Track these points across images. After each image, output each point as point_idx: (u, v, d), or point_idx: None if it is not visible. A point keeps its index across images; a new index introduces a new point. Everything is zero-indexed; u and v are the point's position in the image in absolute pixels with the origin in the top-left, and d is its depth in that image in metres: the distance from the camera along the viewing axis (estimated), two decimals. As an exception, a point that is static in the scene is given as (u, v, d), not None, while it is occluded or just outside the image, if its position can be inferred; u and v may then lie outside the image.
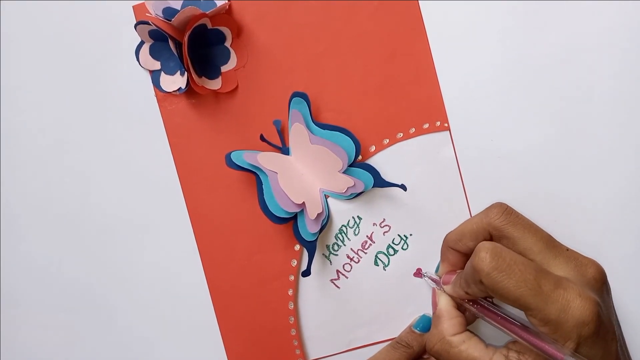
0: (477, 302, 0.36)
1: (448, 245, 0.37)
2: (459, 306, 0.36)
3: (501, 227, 0.34)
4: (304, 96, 0.38)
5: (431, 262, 0.41)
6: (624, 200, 0.40)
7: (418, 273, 0.41)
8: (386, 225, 0.41)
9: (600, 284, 0.33)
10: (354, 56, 0.40)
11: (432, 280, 0.38)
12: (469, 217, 0.40)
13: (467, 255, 0.37)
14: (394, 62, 0.40)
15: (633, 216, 0.39)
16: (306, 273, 0.39)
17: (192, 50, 0.39)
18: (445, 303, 0.36)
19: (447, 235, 0.37)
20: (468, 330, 0.35)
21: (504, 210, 0.35)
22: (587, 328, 0.30)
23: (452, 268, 0.37)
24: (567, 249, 0.34)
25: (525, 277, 0.31)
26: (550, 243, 0.34)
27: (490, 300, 0.36)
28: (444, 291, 0.37)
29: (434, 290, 0.38)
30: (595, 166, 0.40)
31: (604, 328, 0.31)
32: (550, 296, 0.30)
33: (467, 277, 0.33)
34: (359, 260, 0.41)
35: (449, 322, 0.35)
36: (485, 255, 0.31)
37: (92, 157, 0.42)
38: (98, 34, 0.41)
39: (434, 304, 0.37)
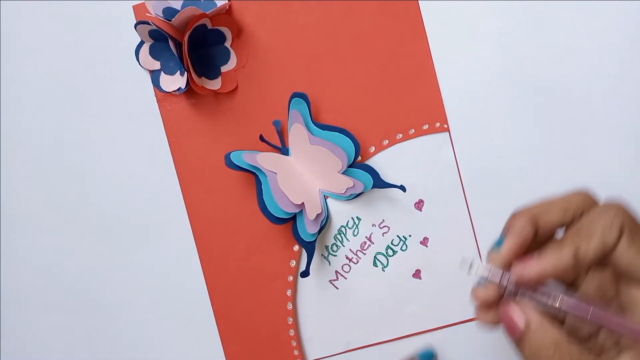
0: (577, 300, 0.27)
1: (532, 214, 0.29)
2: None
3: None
4: (303, 96, 0.38)
5: (431, 261, 0.40)
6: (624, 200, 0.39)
7: (465, 263, 0.29)
8: (385, 226, 0.40)
9: None
10: (353, 56, 0.40)
11: (488, 274, 0.28)
12: (469, 218, 0.40)
13: (539, 237, 0.29)
14: (393, 63, 0.40)
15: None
16: (305, 274, 0.39)
17: (192, 50, 0.39)
18: (536, 314, 0.27)
19: (526, 207, 0.30)
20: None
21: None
22: None
23: (522, 249, 0.28)
24: None
25: None
26: None
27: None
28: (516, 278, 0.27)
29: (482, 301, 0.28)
30: (595, 166, 0.39)
31: None
32: None
33: (594, 231, 0.27)
34: (357, 261, 0.41)
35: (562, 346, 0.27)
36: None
37: (91, 157, 0.42)
38: (98, 33, 0.41)
39: (512, 324, 0.27)
